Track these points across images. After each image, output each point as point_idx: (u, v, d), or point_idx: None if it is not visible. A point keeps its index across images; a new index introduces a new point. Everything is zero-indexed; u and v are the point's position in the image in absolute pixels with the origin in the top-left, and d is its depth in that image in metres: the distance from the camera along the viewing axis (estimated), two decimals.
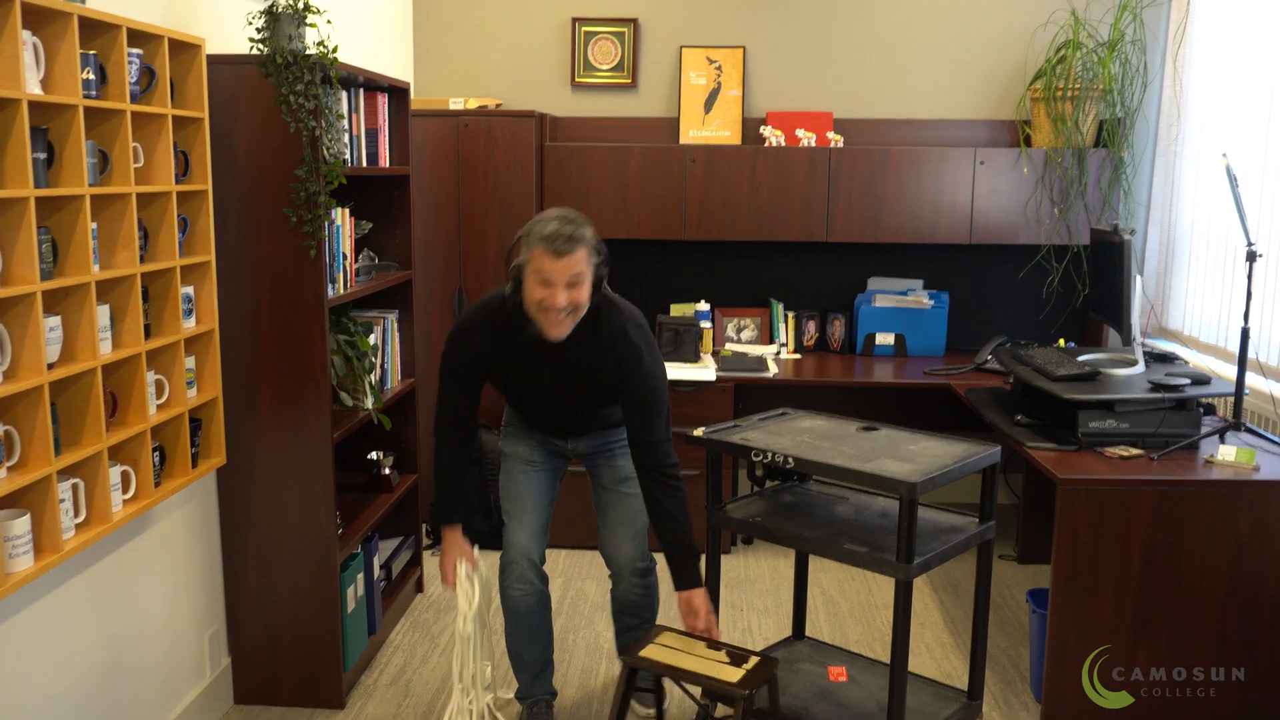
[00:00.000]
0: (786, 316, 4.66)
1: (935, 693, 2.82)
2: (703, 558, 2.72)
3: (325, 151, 2.85)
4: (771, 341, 4.67)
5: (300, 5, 2.79)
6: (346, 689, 3.14)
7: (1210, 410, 3.28)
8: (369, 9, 4.19)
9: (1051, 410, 3.19)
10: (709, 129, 4.62)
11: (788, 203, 4.37)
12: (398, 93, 3.58)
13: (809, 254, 4.70)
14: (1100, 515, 2.77)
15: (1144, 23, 4.35)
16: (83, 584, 2.42)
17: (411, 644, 3.50)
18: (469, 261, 4.31)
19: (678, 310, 4.66)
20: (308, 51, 2.78)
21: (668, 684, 2.96)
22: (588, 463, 2.94)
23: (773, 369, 4.29)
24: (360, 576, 3.24)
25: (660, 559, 2.82)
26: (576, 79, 4.70)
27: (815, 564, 4.03)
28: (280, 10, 2.77)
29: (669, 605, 3.07)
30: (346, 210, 3.15)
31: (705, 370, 4.18)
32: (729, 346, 4.65)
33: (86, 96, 2.16)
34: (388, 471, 3.58)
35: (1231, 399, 3.10)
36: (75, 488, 2.21)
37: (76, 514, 2.22)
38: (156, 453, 2.51)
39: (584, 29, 4.67)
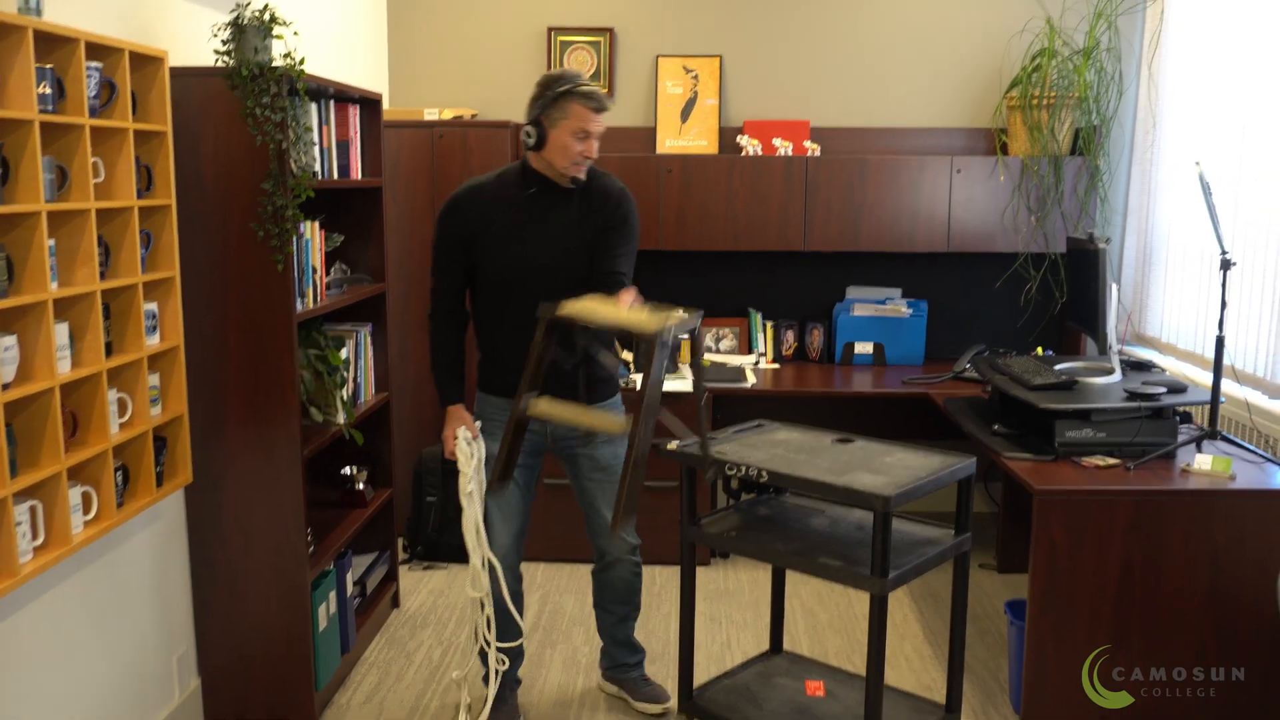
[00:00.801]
0: (765, 326, 4.64)
1: (913, 706, 2.79)
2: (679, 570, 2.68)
3: (293, 164, 2.81)
4: (750, 351, 4.65)
5: (266, 17, 2.76)
6: (319, 708, 3.09)
7: (1187, 418, 3.28)
8: (342, 20, 4.16)
9: (1029, 419, 3.18)
10: (686, 138, 4.61)
11: (765, 212, 4.36)
12: (369, 104, 3.55)
13: (787, 263, 4.68)
14: (1077, 526, 2.75)
15: (1119, 30, 4.35)
16: (43, 608, 2.37)
17: (386, 661, 3.46)
18: None
19: None
20: (274, 63, 2.75)
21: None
22: (565, 455, 2.96)
23: (751, 379, 4.27)
24: (333, 594, 3.20)
25: None
26: None
27: (794, 576, 4.00)
28: (246, 22, 2.74)
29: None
30: (316, 223, 3.11)
31: (684, 381, 4.15)
32: (708, 356, 4.62)
33: (43, 111, 2.12)
34: (361, 487, 3.54)
35: (1208, 407, 3.10)
36: (33, 510, 2.17)
37: (35, 536, 2.17)
38: (119, 472, 2.46)
39: (560, 38, 4.64)
